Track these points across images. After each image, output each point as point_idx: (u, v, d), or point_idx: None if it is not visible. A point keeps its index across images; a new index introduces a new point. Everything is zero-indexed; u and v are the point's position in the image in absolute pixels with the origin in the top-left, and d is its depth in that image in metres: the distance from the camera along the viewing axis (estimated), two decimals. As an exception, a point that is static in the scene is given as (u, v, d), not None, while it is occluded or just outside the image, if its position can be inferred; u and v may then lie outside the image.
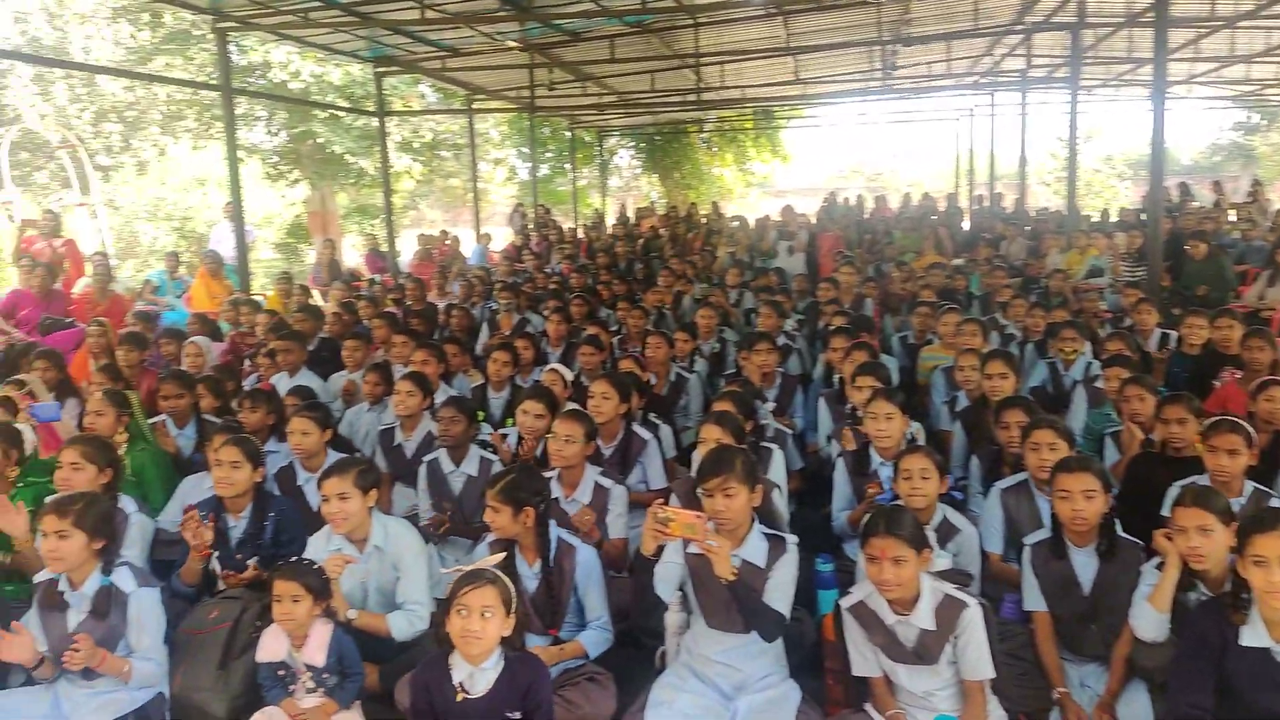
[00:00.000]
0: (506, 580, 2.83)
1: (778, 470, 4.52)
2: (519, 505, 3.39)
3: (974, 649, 2.97)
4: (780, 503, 4.20)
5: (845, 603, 3.18)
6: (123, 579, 3.35)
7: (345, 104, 19.82)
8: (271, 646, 3.36)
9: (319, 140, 21.70)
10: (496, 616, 2.77)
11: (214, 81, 12.22)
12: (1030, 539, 3.54)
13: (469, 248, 17.08)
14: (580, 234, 19.05)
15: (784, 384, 6.13)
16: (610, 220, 21.76)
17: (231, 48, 13.89)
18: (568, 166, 26.16)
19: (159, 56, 20.29)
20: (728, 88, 18.15)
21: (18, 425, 4.35)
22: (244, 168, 19.47)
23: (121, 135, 21.51)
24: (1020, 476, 4.02)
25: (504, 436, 5.02)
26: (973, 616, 2.98)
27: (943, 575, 3.15)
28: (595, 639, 3.52)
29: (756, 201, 33.65)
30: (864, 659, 3.14)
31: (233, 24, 10.71)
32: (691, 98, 18.56)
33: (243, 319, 8.29)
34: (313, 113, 21.28)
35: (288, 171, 23.04)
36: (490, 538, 3.63)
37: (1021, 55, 16.35)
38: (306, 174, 22.71)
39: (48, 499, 3.48)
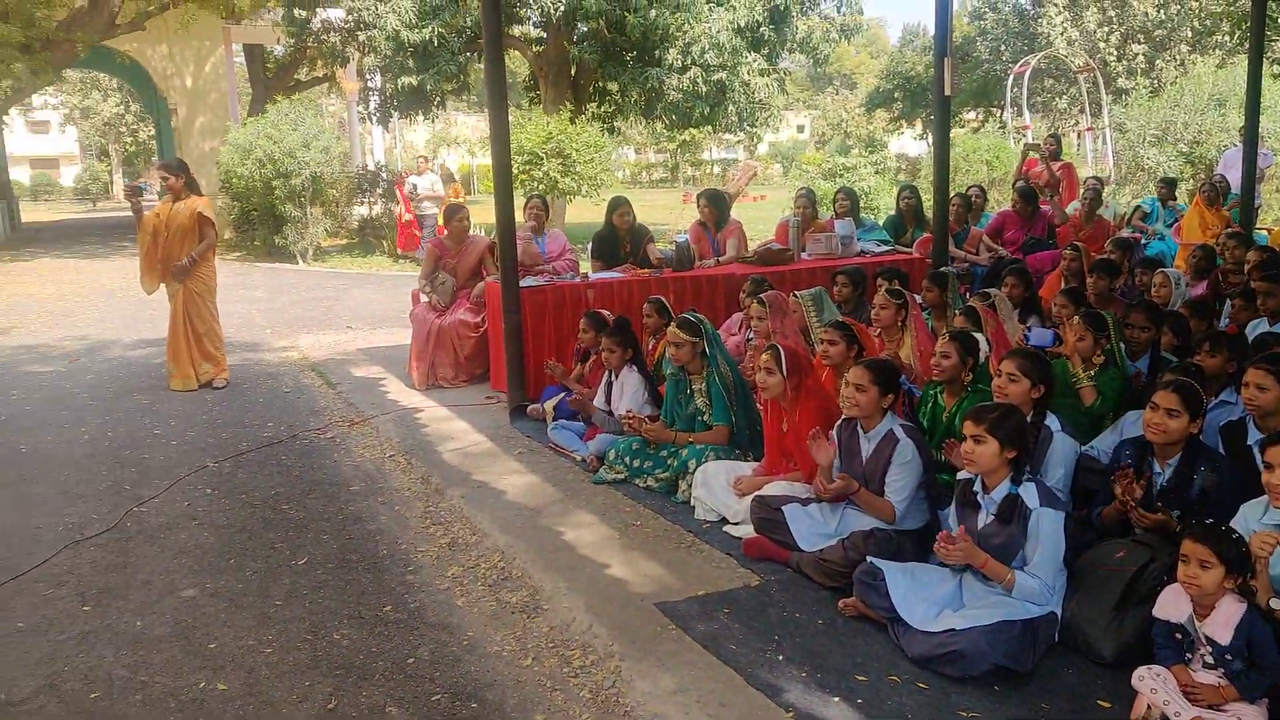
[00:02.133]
0: None
1: None
2: None
3: None
4: None
5: None
6: (1029, 493, 3.49)
7: None
8: (1172, 605, 3.17)
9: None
10: None
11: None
12: None
13: None
14: None
15: None
16: None
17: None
18: None
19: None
20: None
21: (976, 335, 4.82)
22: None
23: (1145, 56, 21.23)
24: None
25: None
26: None
27: None
28: None
29: None
30: None
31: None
32: None
33: (1229, 255, 7.57)
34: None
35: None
36: None
37: None
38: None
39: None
